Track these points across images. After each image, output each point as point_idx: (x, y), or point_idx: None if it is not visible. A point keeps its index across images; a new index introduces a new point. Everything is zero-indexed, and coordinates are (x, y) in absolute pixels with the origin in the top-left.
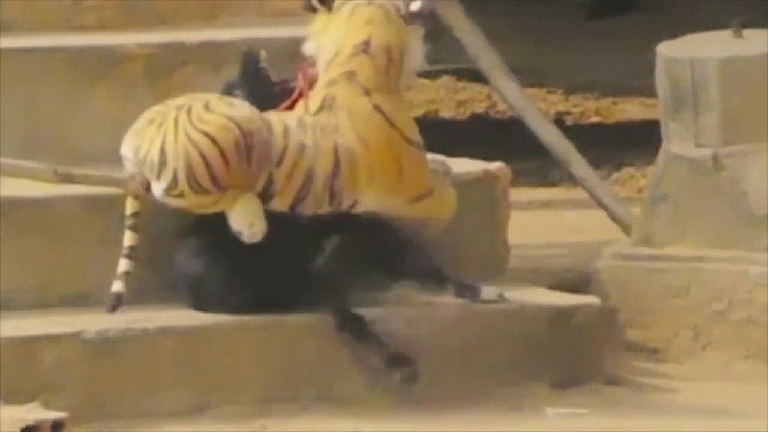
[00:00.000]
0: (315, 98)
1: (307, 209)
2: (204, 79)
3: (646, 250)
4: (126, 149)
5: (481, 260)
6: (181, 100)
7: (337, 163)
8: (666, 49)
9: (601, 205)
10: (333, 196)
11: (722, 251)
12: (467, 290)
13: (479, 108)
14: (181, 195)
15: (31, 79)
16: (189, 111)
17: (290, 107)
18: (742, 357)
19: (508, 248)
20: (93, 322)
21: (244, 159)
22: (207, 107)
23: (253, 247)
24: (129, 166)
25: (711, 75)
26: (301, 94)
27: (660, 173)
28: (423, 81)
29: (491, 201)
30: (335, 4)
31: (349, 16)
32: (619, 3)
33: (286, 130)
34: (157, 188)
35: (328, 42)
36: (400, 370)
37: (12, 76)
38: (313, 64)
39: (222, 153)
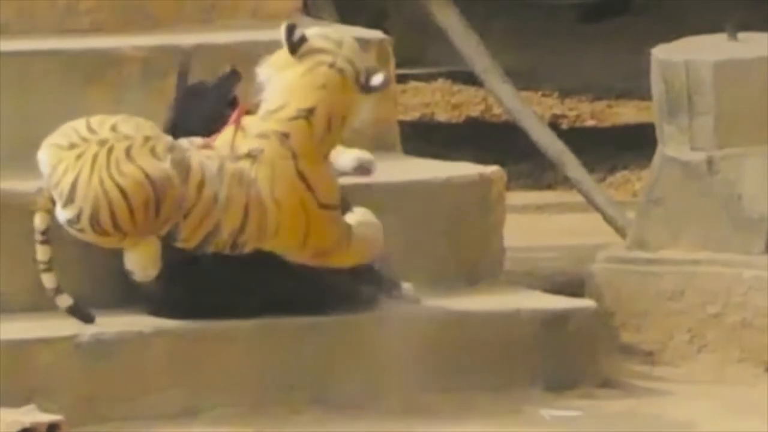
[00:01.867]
0: (244, 140)
1: (207, 251)
2: None
3: (640, 254)
4: (43, 159)
5: (476, 263)
6: (105, 131)
7: (245, 218)
8: (661, 52)
9: (596, 208)
10: (235, 246)
11: (717, 254)
12: (390, 285)
13: (474, 111)
14: (81, 231)
15: (25, 82)
16: (110, 152)
17: (237, 120)
18: (737, 360)
19: (503, 251)
20: (87, 326)
21: (151, 214)
22: (128, 154)
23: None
24: (44, 174)
25: (706, 78)
26: (236, 124)
27: (655, 176)
28: (418, 84)
29: (486, 204)
30: (302, 49)
31: (306, 73)
32: (614, 6)
33: (201, 182)
34: (61, 215)
35: (278, 87)
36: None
37: (6, 79)
38: (259, 91)
39: (130, 208)
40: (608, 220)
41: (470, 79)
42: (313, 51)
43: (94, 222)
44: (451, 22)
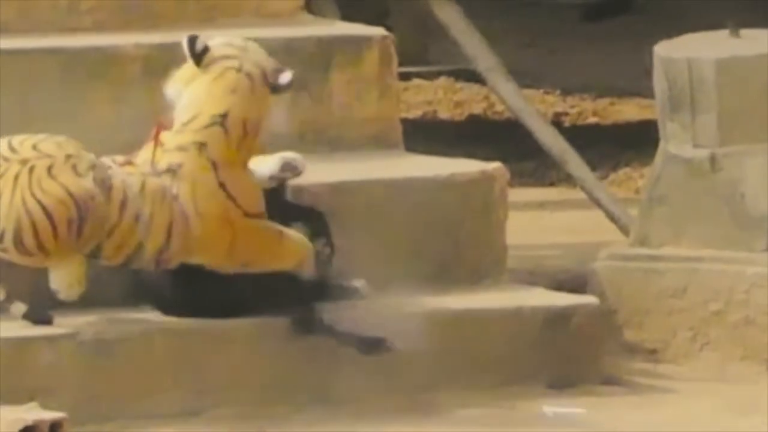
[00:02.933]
0: (164, 155)
1: (132, 267)
2: None
3: (643, 251)
4: None
5: (479, 261)
6: (27, 151)
7: (168, 237)
8: (663, 49)
9: (599, 206)
10: (159, 263)
11: (719, 252)
12: (349, 291)
13: (477, 109)
14: (5, 251)
15: (27, 80)
16: (31, 171)
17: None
18: (739, 358)
19: (506, 249)
20: (89, 324)
21: (74, 232)
22: (50, 172)
23: None
24: None
25: (708, 75)
26: (156, 140)
27: (657, 174)
28: (421, 82)
29: (489, 201)
30: (206, 58)
31: (215, 80)
32: (616, 5)
33: (124, 201)
34: None
35: (189, 99)
36: (375, 352)
37: (7, 77)
38: (170, 109)
39: (53, 226)
40: (611, 217)
41: (473, 77)
42: (218, 58)
43: (18, 242)
44: (453, 19)
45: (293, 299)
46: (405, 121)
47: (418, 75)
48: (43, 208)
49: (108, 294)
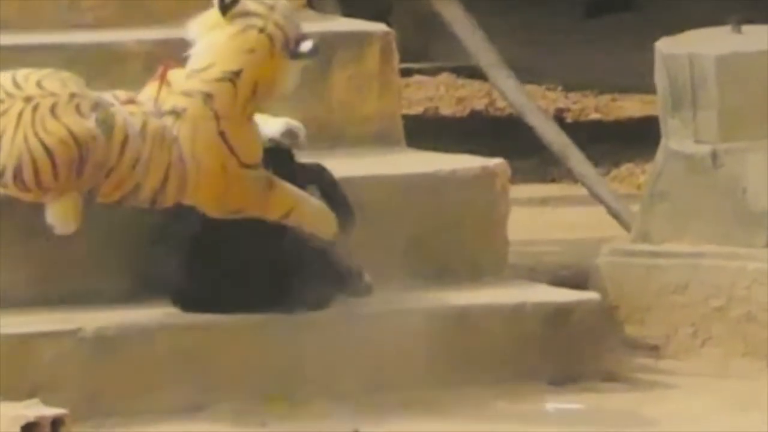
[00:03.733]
0: (169, 97)
1: (126, 206)
2: None
3: (644, 247)
4: None
5: (480, 257)
6: (31, 87)
7: (165, 179)
8: (665, 45)
9: (601, 202)
10: (154, 203)
11: (721, 248)
12: (354, 277)
13: (479, 105)
14: (4, 186)
15: None
16: (35, 109)
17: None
18: (741, 354)
19: (507, 245)
20: (91, 320)
21: (74, 172)
22: (53, 111)
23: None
24: None
25: (710, 71)
26: (162, 79)
27: (658, 170)
28: (422, 78)
29: (490, 198)
30: (233, 11)
31: (235, 35)
32: (618, 1)
33: (125, 141)
34: None
35: (206, 47)
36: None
37: None
38: (187, 47)
39: (54, 166)
40: (612, 213)
41: (474, 73)
42: (245, 14)
43: (18, 178)
44: (455, 16)
45: (313, 292)
46: (406, 118)
47: (420, 71)
48: (45, 147)
49: (110, 290)
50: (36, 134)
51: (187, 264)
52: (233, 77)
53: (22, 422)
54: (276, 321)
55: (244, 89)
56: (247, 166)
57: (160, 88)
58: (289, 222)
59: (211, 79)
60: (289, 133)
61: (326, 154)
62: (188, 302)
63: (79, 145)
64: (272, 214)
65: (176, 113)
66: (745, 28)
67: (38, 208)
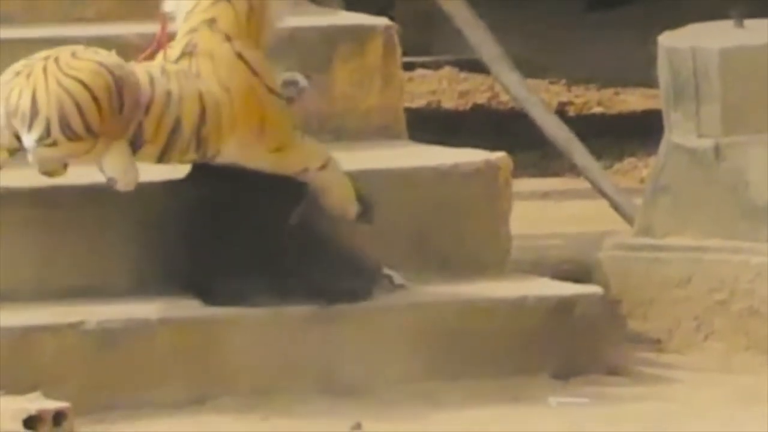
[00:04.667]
0: (175, 47)
1: (175, 158)
2: None
3: (647, 241)
4: None
5: (483, 251)
6: (45, 52)
7: (202, 110)
8: (667, 39)
9: (603, 196)
10: (199, 143)
11: (723, 241)
12: (382, 276)
13: (481, 99)
14: (54, 144)
15: None
16: (57, 60)
17: (149, 58)
18: (744, 347)
19: (510, 238)
20: (93, 313)
21: (116, 104)
22: (75, 55)
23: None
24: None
25: (712, 65)
26: (160, 45)
27: (661, 163)
28: (425, 72)
29: (493, 191)
30: None
31: None
32: None
33: (151, 79)
34: (29, 139)
35: None
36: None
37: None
38: (171, 19)
39: (95, 98)
40: (615, 207)
41: (477, 66)
42: None
43: (65, 126)
44: (457, 9)
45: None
46: (409, 111)
47: (423, 65)
48: (81, 82)
49: (112, 283)
50: (67, 75)
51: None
52: None
53: (24, 416)
54: (278, 315)
55: (240, 3)
56: (273, 91)
57: (165, 52)
58: (319, 181)
59: (207, 6)
60: (290, 82)
61: (329, 147)
62: (209, 294)
63: (111, 71)
64: (310, 161)
65: (189, 53)
66: (748, 22)
67: (40, 199)
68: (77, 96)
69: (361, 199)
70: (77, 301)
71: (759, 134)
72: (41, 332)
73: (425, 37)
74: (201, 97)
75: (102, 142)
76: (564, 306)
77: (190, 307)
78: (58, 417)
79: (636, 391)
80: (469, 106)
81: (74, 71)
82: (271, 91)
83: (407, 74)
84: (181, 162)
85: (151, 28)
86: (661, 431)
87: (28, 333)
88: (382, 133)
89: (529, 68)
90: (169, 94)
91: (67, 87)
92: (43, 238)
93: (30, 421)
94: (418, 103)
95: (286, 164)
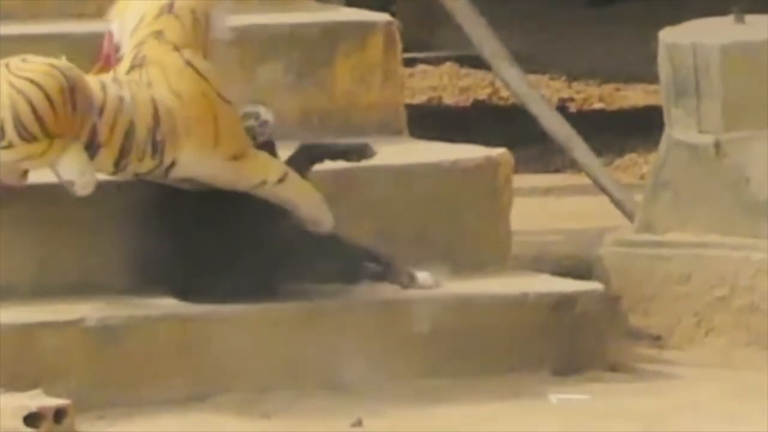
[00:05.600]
0: (124, 61)
1: (132, 166)
2: None
3: (648, 237)
4: None
5: (483, 247)
6: None
7: (156, 114)
8: (668, 35)
9: (604, 192)
10: (155, 148)
11: (724, 237)
12: (404, 275)
13: (482, 94)
14: (9, 146)
15: None
16: (8, 65)
17: (98, 74)
18: (744, 343)
19: (510, 235)
20: (94, 310)
21: (69, 104)
22: (25, 60)
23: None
24: None
25: (713, 61)
26: (107, 62)
27: (662, 159)
28: (426, 68)
29: (493, 187)
30: None
31: None
32: None
33: (103, 86)
34: None
35: (132, 13)
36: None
37: None
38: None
39: (48, 97)
40: (616, 203)
41: (478, 62)
42: None
43: (20, 127)
44: (458, 5)
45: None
46: (410, 107)
47: (423, 61)
48: (32, 82)
49: (113, 280)
50: (19, 77)
51: (179, 252)
52: (169, 7)
53: (25, 413)
54: (277, 311)
55: (184, 15)
56: (224, 99)
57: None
58: (281, 194)
59: (151, 20)
60: (252, 114)
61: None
62: (184, 292)
63: (62, 72)
64: (268, 174)
65: (138, 65)
66: (748, 18)
67: (40, 196)
68: (30, 95)
69: (352, 148)
70: (78, 298)
71: (759, 130)
72: (42, 329)
73: (426, 34)
74: (154, 103)
75: (57, 144)
76: (565, 302)
77: (190, 305)
78: (59, 414)
79: (637, 387)
80: (469, 102)
81: (26, 73)
82: (222, 98)
83: (408, 70)
84: (139, 172)
85: None
86: (662, 427)
87: (28, 330)
88: (382, 129)
89: (529, 64)
90: (121, 99)
91: (20, 88)
92: (44, 234)
93: (31, 419)
94: (419, 99)
95: (245, 175)
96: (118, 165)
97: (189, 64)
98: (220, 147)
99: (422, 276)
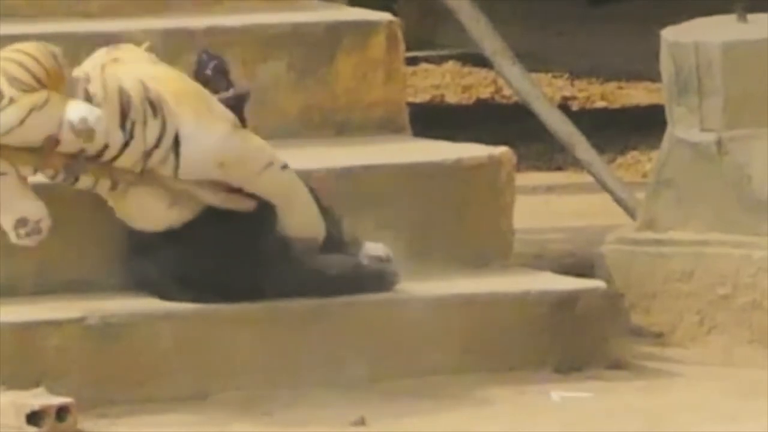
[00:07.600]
0: (95, 86)
1: (138, 128)
2: None
3: (650, 235)
4: None
5: (485, 245)
6: None
7: (142, 84)
8: (670, 33)
9: (606, 190)
10: (154, 107)
11: (726, 235)
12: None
13: (484, 93)
14: (11, 101)
15: None
16: None
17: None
18: (746, 341)
19: (513, 233)
20: (96, 308)
21: (56, 65)
22: (14, 46)
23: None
24: None
25: (715, 59)
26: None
27: (664, 157)
28: (428, 66)
29: (496, 186)
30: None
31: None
32: None
33: (86, 74)
34: None
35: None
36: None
37: None
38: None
39: (35, 58)
40: (618, 201)
41: (480, 61)
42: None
43: (13, 81)
44: (460, 4)
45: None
46: (412, 106)
47: (426, 59)
48: (20, 51)
49: (114, 279)
50: (8, 50)
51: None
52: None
53: (28, 411)
54: (280, 309)
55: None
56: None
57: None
58: (282, 184)
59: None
60: (81, 123)
61: (331, 142)
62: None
63: (50, 49)
64: (274, 154)
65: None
66: (751, 16)
67: (41, 194)
68: (19, 59)
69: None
70: (79, 295)
71: (762, 128)
72: (43, 327)
73: (428, 32)
74: (139, 78)
75: (55, 96)
76: (567, 300)
77: (191, 303)
78: (62, 412)
79: (639, 385)
80: (472, 100)
81: (15, 48)
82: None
83: (410, 69)
84: (149, 145)
85: (156, 23)
86: (664, 425)
87: (30, 328)
88: (385, 128)
89: (531, 62)
90: (103, 67)
91: (9, 57)
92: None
93: (33, 417)
94: (422, 97)
95: (251, 148)
96: (123, 128)
97: (157, 62)
98: (215, 112)
99: (371, 246)
